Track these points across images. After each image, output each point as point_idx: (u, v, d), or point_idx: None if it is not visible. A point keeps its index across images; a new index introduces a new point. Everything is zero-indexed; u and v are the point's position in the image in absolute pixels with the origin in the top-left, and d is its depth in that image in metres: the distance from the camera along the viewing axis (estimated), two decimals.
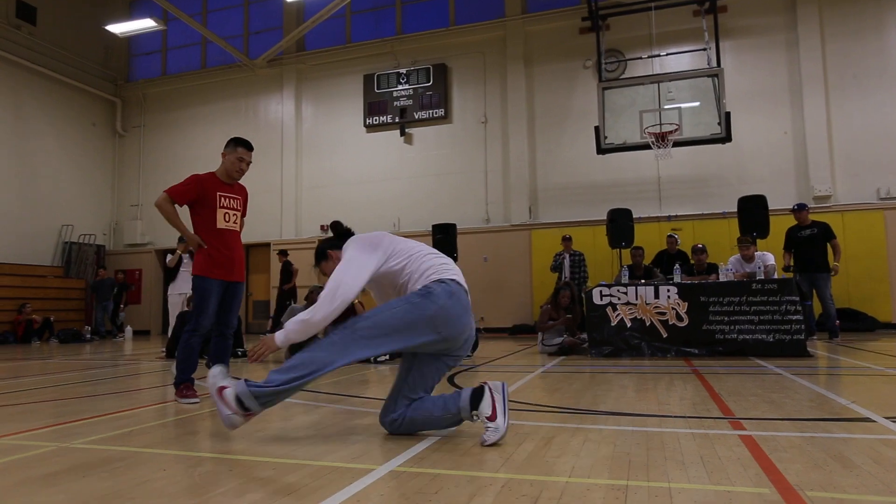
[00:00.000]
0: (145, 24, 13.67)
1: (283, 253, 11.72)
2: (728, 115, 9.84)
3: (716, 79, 10.03)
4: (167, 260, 8.39)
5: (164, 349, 8.07)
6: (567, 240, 10.37)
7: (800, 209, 8.35)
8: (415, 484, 2.01)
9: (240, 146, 4.13)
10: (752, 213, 8.99)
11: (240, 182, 4.30)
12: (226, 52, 14.93)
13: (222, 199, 4.09)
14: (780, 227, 8.72)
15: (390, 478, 2.09)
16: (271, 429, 3.02)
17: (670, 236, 9.53)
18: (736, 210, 9.35)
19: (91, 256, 15.16)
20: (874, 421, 2.89)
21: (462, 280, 2.79)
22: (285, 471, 2.21)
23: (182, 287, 7.97)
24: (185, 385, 3.98)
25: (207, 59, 15.97)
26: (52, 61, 14.64)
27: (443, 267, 2.77)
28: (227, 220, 4.11)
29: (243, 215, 4.33)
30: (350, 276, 2.64)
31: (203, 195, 4.01)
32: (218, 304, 4.05)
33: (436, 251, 2.89)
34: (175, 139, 15.78)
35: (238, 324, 7.40)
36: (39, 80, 14.35)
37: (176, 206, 4.00)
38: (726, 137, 9.92)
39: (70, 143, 15.08)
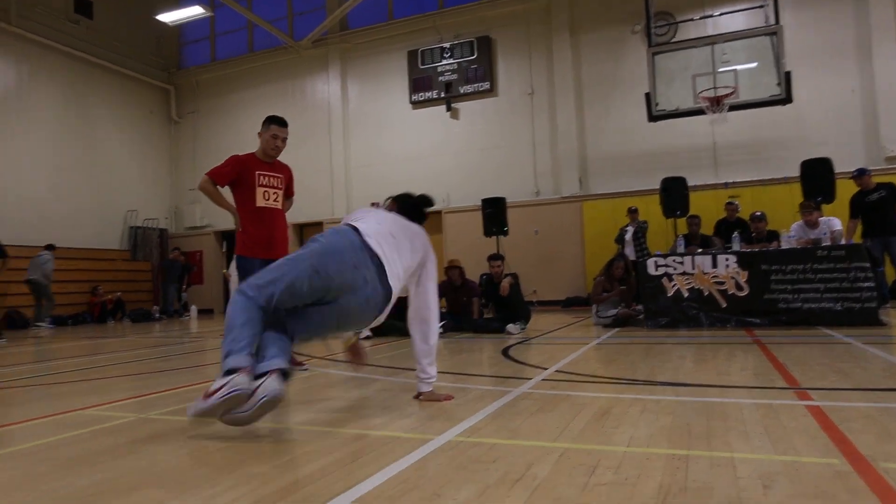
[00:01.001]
0: (194, 11, 13.96)
1: None
2: (788, 74, 9.34)
3: (774, 37, 9.51)
4: (224, 273, 8.51)
5: None
6: (633, 211, 9.99)
7: (861, 174, 7.88)
8: (472, 453, 2.04)
9: (273, 124, 4.19)
10: (816, 178, 8.58)
11: (283, 161, 4.36)
12: (271, 35, 15.12)
13: (261, 177, 4.16)
14: (846, 191, 8.26)
15: (448, 447, 2.13)
16: (332, 401, 3.12)
17: (729, 203, 9.19)
18: (798, 174, 8.93)
19: (155, 240, 15.84)
20: None
21: (363, 225, 2.67)
22: (348, 440, 2.29)
23: None
24: None
25: (254, 43, 16.22)
26: (110, 53, 15.16)
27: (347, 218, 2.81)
28: (266, 198, 4.18)
29: (289, 194, 4.39)
30: None
31: (242, 174, 4.10)
32: None
33: (366, 214, 2.84)
34: (226, 123, 16.17)
35: None
36: (99, 72, 14.91)
37: (218, 186, 4.10)
38: (786, 98, 9.43)
39: (130, 131, 15.68)
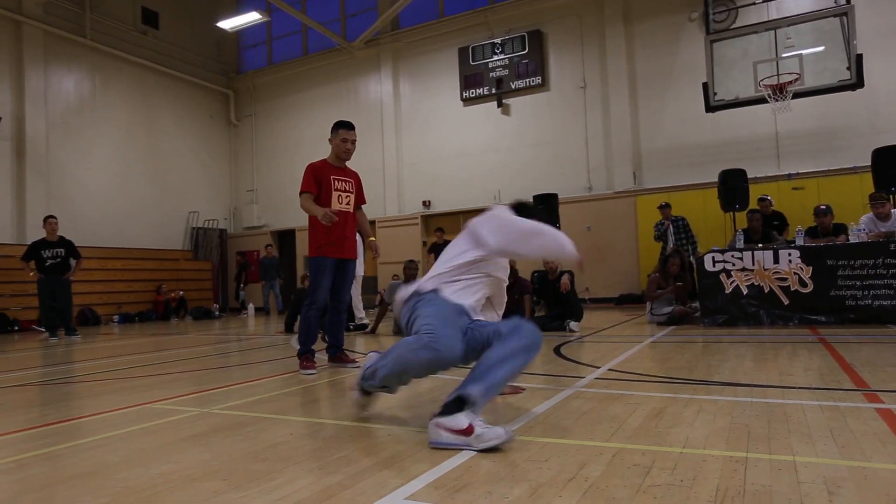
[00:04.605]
0: (252, 17, 14.41)
1: (440, 230, 11.67)
2: (860, 57, 8.85)
3: (844, 18, 9.03)
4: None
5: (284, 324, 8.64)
6: (665, 207, 9.79)
7: None
8: (524, 452, 2.04)
9: (341, 128, 4.36)
10: (890, 166, 8.10)
11: (349, 167, 4.51)
12: (325, 37, 15.42)
13: (336, 181, 4.34)
14: None
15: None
16: (385, 398, 3.17)
17: (762, 199, 8.78)
18: (870, 164, 8.47)
19: (215, 240, 16.44)
20: None
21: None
22: (398, 439, 2.33)
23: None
24: (305, 357, 4.27)
25: (309, 46, 16.58)
26: (173, 61, 15.83)
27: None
28: (340, 201, 4.34)
29: (359, 198, 4.52)
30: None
31: (320, 180, 4.27)
32: (332, 280, 4.30)
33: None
34: (283, 125, 16.61)
35: (349, 299, 7.77)
36: (163, 79, 15.59)
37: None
38: (857, 83, 8.94)
39: (192, 135, 16.33)
